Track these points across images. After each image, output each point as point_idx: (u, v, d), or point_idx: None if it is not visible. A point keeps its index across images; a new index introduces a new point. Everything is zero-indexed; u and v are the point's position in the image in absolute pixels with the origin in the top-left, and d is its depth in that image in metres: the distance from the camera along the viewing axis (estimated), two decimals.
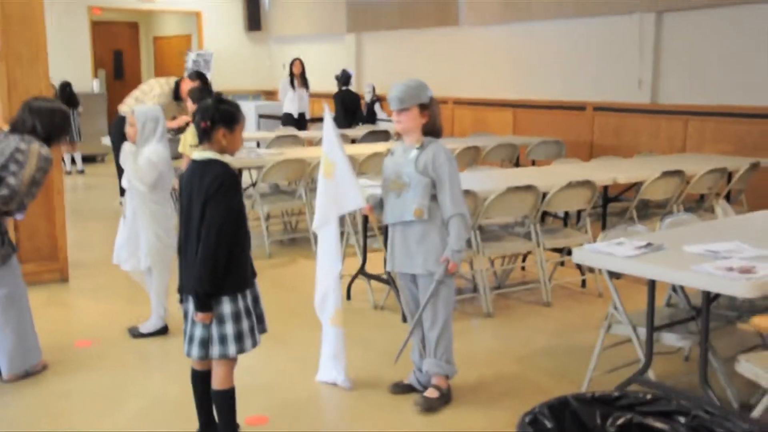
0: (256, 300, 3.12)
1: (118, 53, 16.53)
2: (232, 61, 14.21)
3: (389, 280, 4.96)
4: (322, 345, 3.84)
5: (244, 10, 14.60)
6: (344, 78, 10.69)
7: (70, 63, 12.73)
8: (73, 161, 11.61)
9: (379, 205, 3.66)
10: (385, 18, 11.84)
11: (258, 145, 10.65)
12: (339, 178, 3.59)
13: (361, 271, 5.21)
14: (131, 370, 4.05)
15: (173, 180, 4.45)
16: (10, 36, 5.25)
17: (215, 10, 14.39)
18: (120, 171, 6.61)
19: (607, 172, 5.74)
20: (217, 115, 2.93)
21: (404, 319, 4.74)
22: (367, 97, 11.39)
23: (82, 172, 11.59)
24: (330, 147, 3.61)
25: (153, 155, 4.25)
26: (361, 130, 9.72)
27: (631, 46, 8.24)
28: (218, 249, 2.86)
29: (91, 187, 10.55)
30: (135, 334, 4.49)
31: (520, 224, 5.49)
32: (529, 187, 5.04)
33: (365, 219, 5.22)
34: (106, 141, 9.17)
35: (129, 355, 4.26)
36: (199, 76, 6.73)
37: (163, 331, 4.51)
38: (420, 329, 3.54)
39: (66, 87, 11.32)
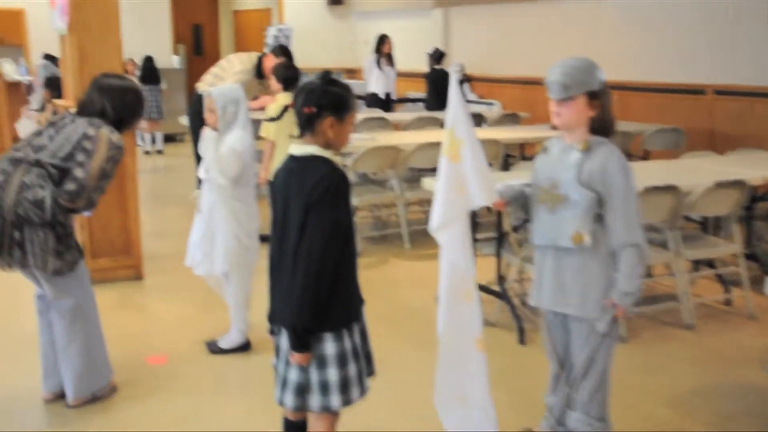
0: (364, 336, 2.49)
1: (198, 27, 16.16)
2: (312, 37, 13.60)
3: (503, 294, 4.27)
4: (442, 377, 2.74)
5: None
6: (437, 56, 9.96)
7: (150, 37, 12.38)
8: (153, 140, 11.22)
9: (517, 202, 2.83)
10: None
11: None
12: (468, 160, 2.62)
13: None
14: (209, 396, 3.49)
15: (259, 172, 3.86)
16: (79, 5, 4.72)
17: None
18: (198, 158, 6.08)
19: (753, 167, 4.90)
20: (325, 99, 2.30)
21: (521, 340, 4.06)
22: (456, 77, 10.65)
23: (161, 152, 11.20)
24: (457, 121, 2.64)
25: (237, 144, 3.66)
26: (443, 113, 9.01)
27: (757, 22, 7.25)
28: (321, 273, 2.23)
29: (171, 168, 10.14)
30: (214, 349, 3.92)
31: (654, 230, 4.71)
32: (669, 188, 4.26)
33: (473, 214, 4.44)
34: (185, 120, 8.72)
35: (207, 377, 3.69)
36: (284, 51, 6.12)
37: (244, 347, 3.93)
38: (566, 375, 2.80)
39: (148, 62, 10.91)
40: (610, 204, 2.55)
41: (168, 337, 4.17)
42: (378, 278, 5.30)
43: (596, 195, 2.55)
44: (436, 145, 5.89)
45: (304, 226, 2.25)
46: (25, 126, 6.97)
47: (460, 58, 11.19)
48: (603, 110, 2.60)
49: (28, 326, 3.43)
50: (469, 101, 10.73)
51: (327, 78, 2.35)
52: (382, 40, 10.19)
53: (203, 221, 3.78)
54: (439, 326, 2.69)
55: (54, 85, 6.16)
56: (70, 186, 3.10)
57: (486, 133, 6.91)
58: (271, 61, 5.96)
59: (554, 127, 2.69)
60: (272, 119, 4.90)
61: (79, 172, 3.12)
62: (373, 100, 10.07)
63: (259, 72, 6.04)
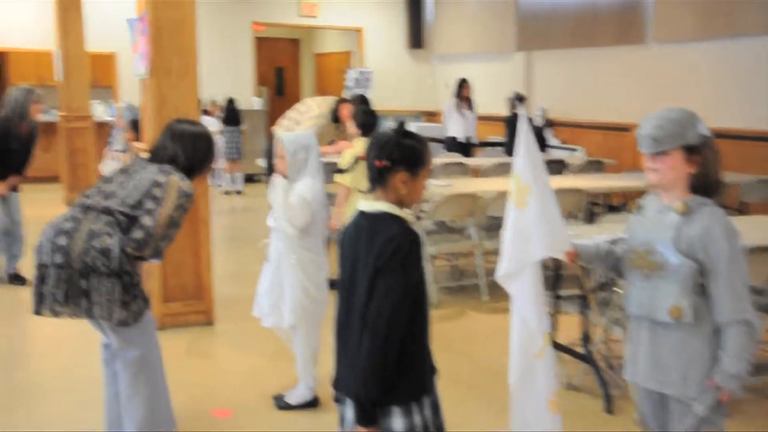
0: (436, 409, 2.28)
1: (280, 70, 16.45)
2: (392, 79, 13.63)
3: (588, 357, 3.99)
4: None
5: (407, 27, 14.02)
6: (517, 100, 9.77)
7: (234, 80, 12.63)
8: (232, 180, 11.35)
9: (604, 262, 2.60)
10: (559, 35, 10.80)
11: None
12: (536, 207, 2.49)
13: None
14: None
15: (331, 217, 3.73)
16: (161, 49, 4.75)
17: (377, 26, 13.90)
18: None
19: None
20: (399, 152, 2.14)
21: (608, 409, 3.76)
22: (537, 122, 10.42)
23: (240, 192, 11.31)
24: (525, 165, 2.50)
25: (306, 192, 3.54)
26: None
27: None
28: (390, 340, 2.05)
29: (249, 209, 10.19)
30: (281, 404, 3.77)
31: (757, 292, 4.34)
32: None
33: (556, 267, 4.23)
34: (263, 162, 8.76)
35: None
36: (363, 101, 6.09)
37: (312, 403, 3.77)
38: None
39: (230, 104, 11.08)
40: (714, 275, 2.27)
41: (235, 388, 4.04)
42: (454, 332, 5.07)
43: (697, 264, 2.28)
44: None
45: (372, 288, 2.08)
46: (109, 167, 7.09)
47: (543, 102, 10.98)
48: (705, 167, 2.33)
49: (96, 370, 3.36)
50: (551, 146, 10.49)
51: (401, 130, 2.19)
52: (462, 84, 10.08)
53: (271, 271, 3.66)
54: (510, 381, 2.56)
55: (135, 126, 6.25)
56: (137, 234, 3.03)
57: (568, 181, 6.64)
58: (347, 108, 5.93)
59: (650, 186, 2.45)
60: (342, 171, 4.82)
61: (147, 220, 3.05)
62: (452, 144, 9.94)
63: (335, 116, 5.99)
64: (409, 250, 2.08)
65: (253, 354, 4.53)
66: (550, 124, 10.79)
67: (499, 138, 11.27)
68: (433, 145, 11.90)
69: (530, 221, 2.48)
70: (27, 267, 5.86)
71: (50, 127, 11.26)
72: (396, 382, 2.08)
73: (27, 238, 5.98)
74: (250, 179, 12.23)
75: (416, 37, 13.98)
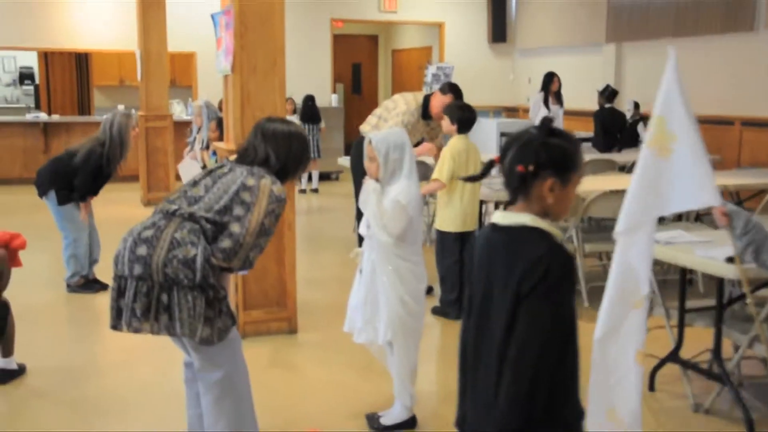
0: None
1: (357, 66, 16.21)
2: (472, 74, 13.19)
3: (722, 376, 3.53)
4: (594, 386, 2.39)
5: (489, 20, 13.56)
6: (609, 94, 9.24)
7: (311, 76, 12.43)
8: (309, 178, 11.15)
9: (743, 226, 2.38)
10: (653, 25, 10.20)
11: None
12: (682, 156, 2.31)
13: (673, 355, 3.81)
14: None
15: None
16: (246, 44, 4.49)
17: (459, 21, 13.49)
18: (359, 211, 5.66)
19: None
20: (546, 155, 1.78)
21: None
22: (628, 116, 9.85)
23: (316, 191, 11.09)
24: (672, 112, 2.31)
25: (401, 196, 3.20)
26: (625, 155, 8.26)
27: None
28: (536, 384, 1.70)
29: (326, 209, 9.95)
30: (376, 426, 3.45)
31: None
32: None
33: (682, 276, 3.78)
34: (342, 161, 8.49)
35: None
36: (453, 88, 5.62)
37: (409, 424, 3.44)
38: None
39: (309, 101, 10.86)
40: None
41: (323, 405, 3.75)
42: None
43: None
44: (619, 194, 5.24)
45: (514, 319, 1.73)
46: (188, 167, 6.90)
47: (634, 95, 10.37)
48: None
49: (179, 385, 3.11)
50: (642, 142, 9.90)
51: (547, 127, 1.82)
52: (551, 77, 9.61)
53: (364, 283, 3.34)
54: (597, 332, 2.39)
55: (222, 124, 6.03)
56: (225, 243, 2.75)
57: None
58: (438, 100, 5.50)
59: None
60: (470, 178, 4.53)
61: (235, 228, 2.77)
62: None
63: (425, 112, 5.58)
64: (561, 273, 1.72)
65: (341, 367, 4.23)
66: (642, 118, 10.18)
67: (585, 133, 10.75)
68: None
69: (672, 171, 2.29)
70: (101, 272, 5.73)
71: None
72: (541, 429, 1.72)
73: (103, 240, 5.86)
74: (326, 177, 12.01)
75: (499, 31, 13.51)
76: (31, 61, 13.89)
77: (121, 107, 12.11)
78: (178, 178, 9.50)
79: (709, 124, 9.33)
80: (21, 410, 3.70)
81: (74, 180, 5.42)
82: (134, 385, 3.98)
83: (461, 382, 1.96)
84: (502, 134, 11.64)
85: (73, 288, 5.63)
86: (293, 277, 4.71)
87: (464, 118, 4.89)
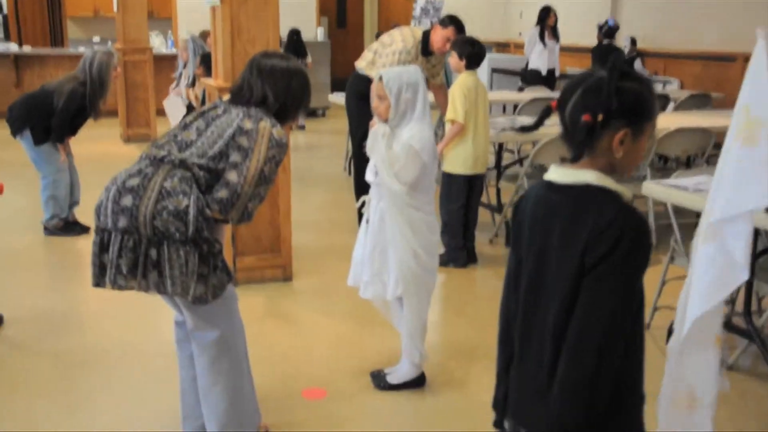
0: None
1: None
2: (462, 8, 12.64)
3: (751, 332, 3.33)
4: (672, 370, 2.21)
5: None
6: (608, 30, 8.90)
7: (295, 9, 11.91)
8: None
9: None
10: None
11: (504, 109, 9.22)
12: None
13: None
14: None
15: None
16: None
17: None
18: (359, 157, 5.35)
19: None
20: (618, 101, 1.50)
21: None
22: (625, 53, 9.54)
23: (302, 127, 10.73)
24: (759, 97, 2.07)
25: (414, 140, 2.92)
26: None
27: None
28: (602, 371, 1.46)
29: (313, 147, 9.61)
30: (381, 384, 3.24)
31: None
32: None
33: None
34: (332, 97, 8.13)
35: (378, 422, 3.02)
36: (454, 21, 5.24)
37: (418, 382, 3.24)
38: None
39: (294, 35, 10.41)
40: None
41: (323, 360, 3.53)
42: None
43: None
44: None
45: (575, 295, 1.48)
46: (173, 104, 6.51)
47: (630, 30, 10.03)
48: None
49: (169, 337, 2.86)
50: None
51: (619, 68, 1.54)
52: (547, 11, 9.23)
53: (372, 234, 3.07)
54: (689, 315, 2.12)
55: (207, 62, 5.64)
56: (221, 193, 2.47)
57: (684, 118, 5.87)
58: (439, 34, 5.14)
59: None
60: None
61: (232, 176, 2.49)
62: (533, 77, 9.15)
63: (425, 48, 5.21)
64: (634, 242, 1.46)
65: (341, 317, 4.01)
66: (640, 54, 9.87)
67: (582, 70, 10.45)
68: (504, 78, 11.12)
69: (761, 160, 2.04)
70: (81, 214, 5.44)
71: None
72: (605, 423, 1.49)
73: (83, 180, 5.57)
74: (312, 114, 11.63)
75: None
76: None
77: (96, 39, 11.61)
78: (159, 113, 9.12)
79: (706, 60, 9.06)
80: None
81: (51, 120, 5.08)
82: (119, 338, 3.73)
83: (502, 359, 1.72)
84: (494, 70, 11.31)
85: (51, 231, 5.34)
86: (288, 222, 4.44)
87: (473, 53, 4.57)
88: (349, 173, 7.53)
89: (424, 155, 2.93)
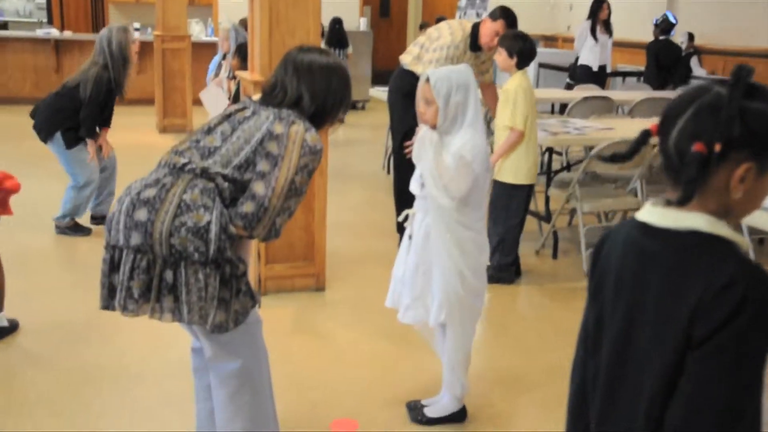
0: None
1: None
2: None
3: None
4: None
5: None
6: (665, 25, 8.44)
7: None
8: None
9: None
10: None
11: (552, 108, 8.81)
12: None
13: None
14: None
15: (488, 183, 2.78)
16: None
17: None
18: (400, 159, 4.97)
19: None
20: (743, 128, 1.17)
21: None
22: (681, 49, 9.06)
23: (341, 121, 10.41)
24: None
25: (465, 149, 2.60)
26: (675, 92, 7.54)
27: None
28: None
29: (351, 142, 9.30)
30: (419, 418, 2.93)
31: None
32: None
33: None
34: (372, 92, 7.82)
35: None
36: (505, 13, 4.85)
37: (459, 416, 2.92)
38: None
39: (336, 24, 10.10)
40: None
41: (355, 385, 3.23)
42: None
43: None
44: None
45: (677, 371, 1.16)
46: (213, 95, 6.20)
47: (688, 26, 9.54)
48: None
49: (186, 361, 2.59)
50: (695, 77, 9.14)
51: (745, 83, 1.20)
52: (600, 4, 8.76)
53: (415, 252, 2.76)
54: None
55: (243, 53, 5.34)
56: (246, 207, 2.19)
57: None
58: (488, 28, 4.77)
59: None
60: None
61: (259, 188, 2.20)
62: (584, 74, 8.72)
63: (474, 43, 4.85)
64: (763, 307, 1.13)
65: (375, 335, 3.71)
66: (697, 51, 9.39)
67: (635, 67, 9.99)
68: (551, 74, 10.66)
69: None
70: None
71: (145, 48, 10.60)
72: None
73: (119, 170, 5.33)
74: (352, 106, 11.34)
75: None
76: None
77: (136, 25, 11.43)
78: (196, 103, 8.90)
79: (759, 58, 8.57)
80: (9, 377, 3.22)
81: (81, 112, 4.83)
82: (139, 353, 3.45)
83: (570, 421, 1.41)
84: (541, 65, 10.90)
85: (62, 229, 5.08)
86: (323, 228, 4.16)
87: (525, 49, 4.18)
88: (388, 172, 7.22)
89: (476, 166, 2.61)
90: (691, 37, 9.34)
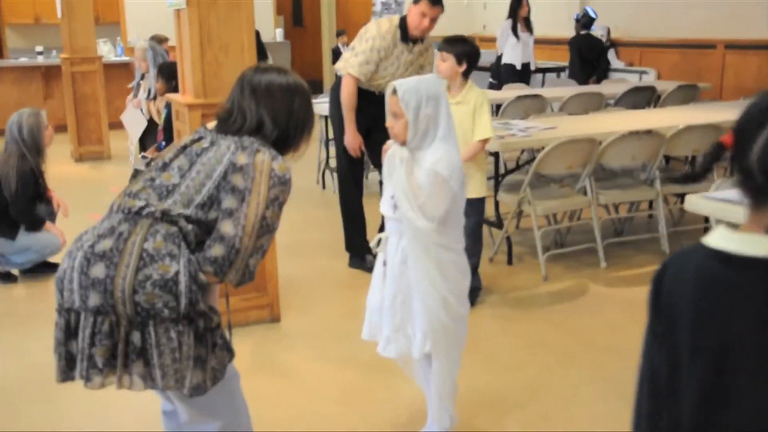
0: None
1: None
2: None
3: None
4: None
5: None
6: (586, 20, 8.52)
7: None
8: None
9: None
10: None
11: None
12: None
13: None
14: None
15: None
16: None
17: None
18: (346, 179, 4.55)
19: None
20: None
21: None
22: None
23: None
24: None
25: (441, 165, 2.42)
26: (607, 86, 7.60)
27: None
28: None
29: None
30: None
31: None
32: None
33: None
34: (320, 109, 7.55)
35: None
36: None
37: None
38: None
39: (255, 36, 9.78)
40: None
41: (335, 423, 3.00)
42: (581, 315, 4.00)
43: None
44: (636, 136, 4.57)
45: None
46: (133, 118, 5.85)
47: (602, 19, 9.66)
48: None
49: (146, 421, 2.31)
50: (614, 70, 9.27)
51: None
52: (519, 2, 8.77)
53: (392, 280, 2.56)
54: None
55: (167, 73, 5.00)
56: (215, 250, 1.96)
57: (682, 113, 5.48)
58: (414, 11, 4.32)
59: None
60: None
61: (227, 227, 1.97)
62: (508, 73, 8.72)
63: (404, 34, 4.56)
64: None
65: (343, 365, 3.49)
66: (613, 44, 9.53)
67: (554, 63, 10.06)
68: (477, 75, 10.62)
69: None
70: None
71: (52, 71, 10.07)
72: None
73: None
74: None
75: None
76: None
77: (39, 48, 10.82)
78: (113, 127, 8.47)
79: (684, 48, 8.75)
80: None
81: (10, 210, 4.41)
82: (90, 411, 3.15)
83: None
84: None
85: None
86: (272, 256, 3.91)
87: (474, 52, 3.85)
88: (323, 186, 7.00)
89: (453, 183, 2.44)
90: (608, 30, 9.46)
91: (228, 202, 1.99)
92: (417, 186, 2.43)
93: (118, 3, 10.98)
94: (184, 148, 2.12)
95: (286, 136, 2.19)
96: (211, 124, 2.23)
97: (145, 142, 5.85)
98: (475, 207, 3.79)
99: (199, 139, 2.13)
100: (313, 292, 4.38)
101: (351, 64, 4.48)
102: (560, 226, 5.09)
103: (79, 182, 7.24)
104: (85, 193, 6.71)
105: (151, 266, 1.86)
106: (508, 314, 4.06)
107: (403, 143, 2.49)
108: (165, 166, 2.07)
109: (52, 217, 4.67)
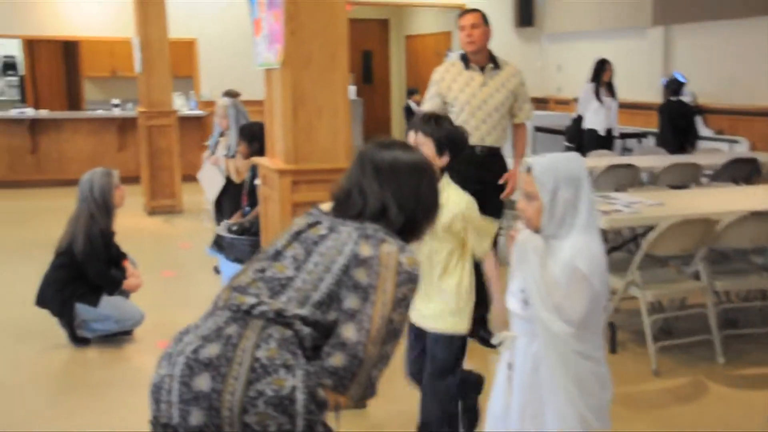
0: None
1: (367, 54, 15.02)
2: None
3: None
4: None
5: (515, 2, 12.41)
6: (675, 86, 8.15)
7: None
8: None
9: None
10: (710, 4, 9.10)
11: None
12: None
13: None
14: None
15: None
16: (298, 29, 3.38)
17: (481, 3, 12.26)
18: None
19: None
20: None
21: None
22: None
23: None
24: None
25: (580, 260, 2.10)
26: (702, 156, 7.17)
27: None
28: None
29: None
30: None
31: None
32: None
33: None
34: None
35: None
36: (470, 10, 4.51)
37: None
38: None
39: None
40: None
41: None
42: (696, 418, 3.55)
43: None
44: (762, 216, 4.14)
45: None
46: (210, 175, 5.68)
47: (688, 85, 9.28)
48: None
49: None
50: (703, 138, 8.84)
51: None
52: (602, 65, 8.49)
53: (521, 390, 2.23)
54: None
55: (249, 135, 4.80)
56: (336, 360, 1.65)
57: None
58: (459, 36, 4.37)
59: None
60: None
61: (349, 332, 1.67)
62: (591, 139, 8.37)
63: (466, 61, 4.35)
64: None
65: None
66: (701, 111, 9.11)
67: (635, 128, 9.68)
68: (548, 137, 10.30)
69: None
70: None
71: (127, 123, 10.13)
72: None
73: None
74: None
75: (526, 14, 12.35)
76: (13, 50, 12.64)
77: (115, 101, 10.93)
78: (186, 180, 8.38)
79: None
80: None
81: (88, 272, 4.30)
82: None
83: None
84: (537, 129, 10.56)
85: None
86: None
87: (460, 139, 2.83)
88: None
89: (594, 280, 2.10)
90: (693, 96, 9.08)
91: (350, 301, 1.70)
92: (553, 282, 2.11)
93: (193, 57, 11.06)
94: (299, 234, 1.84)
95: (413, 223, 1.90)
96: (326, 206, 1.96)
97: (221, 201, 5.66)
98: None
99: (316, 224, 1.86)
100: None
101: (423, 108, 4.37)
102: (669, 314, 4.61)
103: (152, 236, 7.12)
104: (157, 248, 6.57)
105: (264, 380, 1.56)
106: (617, 413, 3.64)
107: (536, 230, 2.18)
108: (277, 255, 1.79)
109: (124, 293, 4.50)
